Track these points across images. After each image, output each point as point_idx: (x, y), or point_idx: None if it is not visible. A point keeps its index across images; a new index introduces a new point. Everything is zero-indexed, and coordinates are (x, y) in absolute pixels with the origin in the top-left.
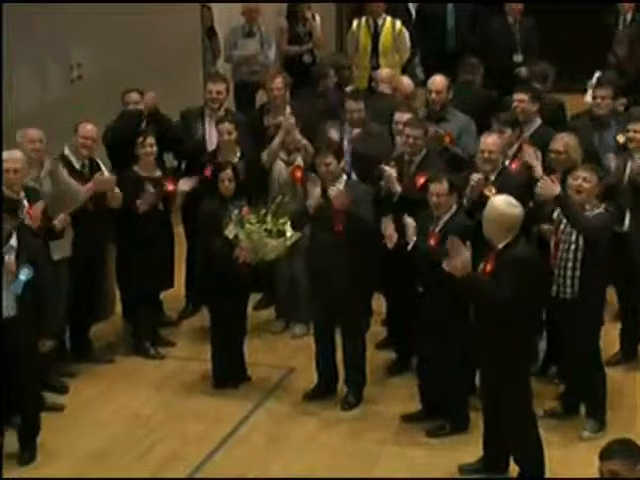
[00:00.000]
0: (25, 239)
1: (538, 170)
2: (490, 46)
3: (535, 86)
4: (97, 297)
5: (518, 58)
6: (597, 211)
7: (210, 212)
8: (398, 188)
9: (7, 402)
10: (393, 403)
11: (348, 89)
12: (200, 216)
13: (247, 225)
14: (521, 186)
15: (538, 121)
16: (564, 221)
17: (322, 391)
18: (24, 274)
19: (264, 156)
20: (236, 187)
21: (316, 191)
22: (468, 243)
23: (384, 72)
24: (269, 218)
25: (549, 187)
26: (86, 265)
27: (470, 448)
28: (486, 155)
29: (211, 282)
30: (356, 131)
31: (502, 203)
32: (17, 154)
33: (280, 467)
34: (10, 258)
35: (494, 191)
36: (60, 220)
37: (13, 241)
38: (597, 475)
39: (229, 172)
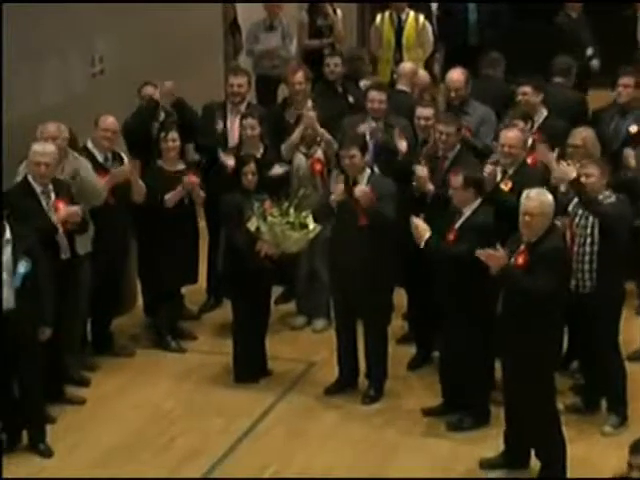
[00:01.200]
0: (19, 231)
1: (553, 166)
2: (558, 42)
3: (557, 80)
4: (119, 291)
5: (590, 51)
6: (609, 201)
7: (233, 205)
8: (431, 187)
9: (11, 397)
10: (414, 397)
11: (362, 83)
12: (222, 209)
13: (269, 218)
14: (539, 182)
15: (544, 112)
16: (579, 213)
17: (343, 385)
18: (22, 267)
19: (283, 149)
20: (258, 181)
21: (339, 187)
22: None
23: (406, 66)
24: (291, 211)
25: (564, 170)
26: (108, 259)
27: (491, 442)
28: (506, 149)
29: (234, 276)
30: (378, 122)
31: (546, 195)
32: (50, 148)
33: (301, 461)
34: (7, 251)
35: (510, 185)
36: (71, 215)
37: (7, 234)
38: (624, 469)
39: (252, 166)
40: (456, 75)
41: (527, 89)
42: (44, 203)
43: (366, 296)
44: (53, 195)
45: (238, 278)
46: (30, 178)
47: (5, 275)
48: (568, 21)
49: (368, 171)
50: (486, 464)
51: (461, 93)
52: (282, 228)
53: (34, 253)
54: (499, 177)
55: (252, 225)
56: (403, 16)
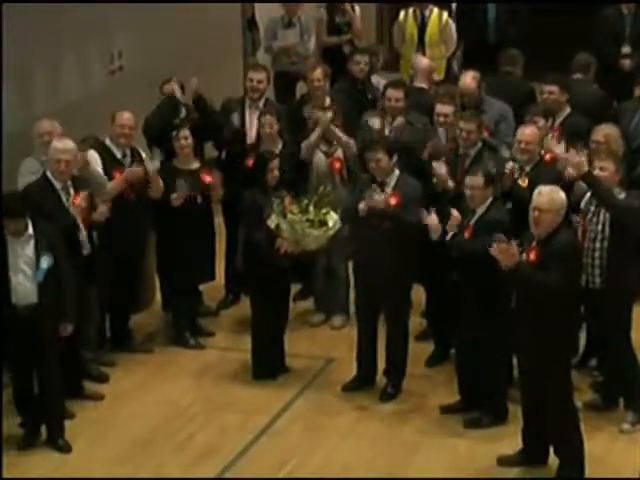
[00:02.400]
0: (42, 227)
1: (561, 157)
2: (599, 35)
3: (577, 77)
4: (137, 287)
5: (626, 50)
6: (622, 196)
7: (253, 202)
8: (451, 184)
9: (30, 392)
10: (432, 394)
11: (373, 78)
12: (243, 206)
13: (289, 215)
14: (556, 178)
15: (567, 109)
16: (591, 210)
17: (361, 383)
18: (45, 261)
19: (303, 150)
20: (279, 178)
21: (377, 199)
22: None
23: (423, 62)
24: (311, 208)
25: (578, 164)
26: (127, 255)
27: (508, 440)
28: (523, 146)
29: (253, 273)
30: (398, 120)
31: (557, 192)
32: (70, 144)
33: (319, 458)
34: (30, 247)
35: (527, 182)
36: (99, 213)
37: (30, 230)
38: None
39: (277, 162)
40: (467, 81)
41: (554, 88)
42: (64, 199)
43: (389, 293)
44: (72, 191)
45: (257, 276)
46: (49, 175)
47: (28, 270)
48: (616, 15)
49: (397, 173)
50: (504, 461)
51: (474, 97)
52: (302, 225)
53: (56, 249)
54: (517, 174)
55: (272, 222)
56: (427, 13)
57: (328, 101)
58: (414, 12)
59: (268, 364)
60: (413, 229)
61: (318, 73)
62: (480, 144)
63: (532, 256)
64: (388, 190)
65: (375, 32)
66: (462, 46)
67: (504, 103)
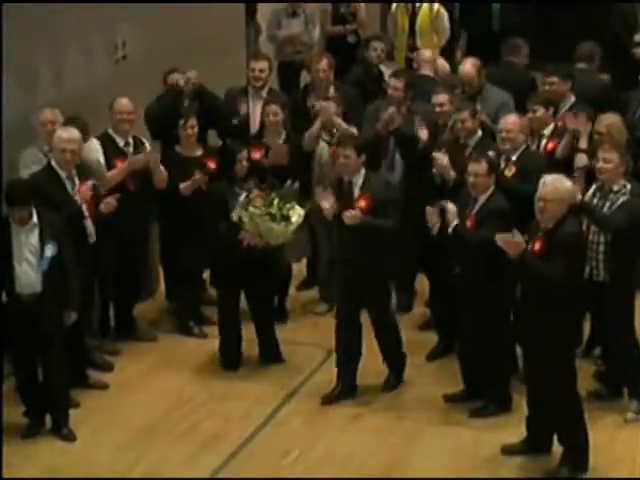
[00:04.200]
0: (46, 216)
1: (583, 140)
2: (615, 21)
3: (581, 66)
4: (141, 276)
5: (639, 38)
6: (622, 199)
7: (218, 194)
8: (452, 174)
9: (35, 381)
10: (435, 383)
11: (382, 67)
12: (208, 199)
13: (251, 208)
14: (542, 166)
15: (572, 99)
16: (595, 202)
17: (343, 394)
18: (49, 250)
19: (305, 139)
20: (286, 166)
21: (328, 205)
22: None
23: (426, 53)
24: (275, 202)
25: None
26: (130, 244)
27: (513, 428)
28: (504, 134)
29: (217, 263)
30: (391, 109)
31: (562, 181)
32: (75, 134)
33: (323, 447)
34: (34, 235)
35: (513, 170)
36: (106, 205)
37: (34, 218)
38: None
39: (245, 153)
40: (467, 68)
41: (554, 79)
42: (69, 188)
43: (368, 293)
44: (77, 180)
45: (221, 267)
46: (54, 164)
47: (32, 259)
48: (631, 4)
49: (363, 172)
50: (508, 450)
51: (474, 84)
52: (262, 219)
53: (61, 237)
54: (503, 164)
55: (235, 215)
56: (417, 3)
57: (332, 91)
58: (405, 3)
59: (233, 355)
60: (390, 231)
61: (323, 64)
62: (480, 133)
63: (537, 246)
64: (355, 190)
65: (379, 22)
66: (466, 35)
67: (505, 92)
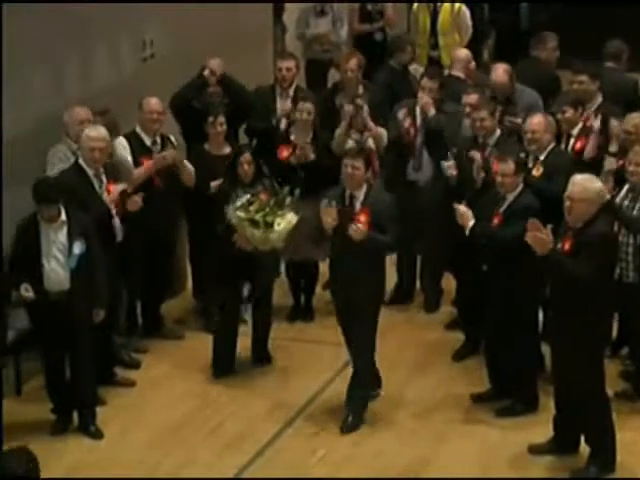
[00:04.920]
0: (74, 214)
1: (614, 144)
2: None
3: (608, 65)
4: (168, 274)
5: None
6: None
7: (220, 194)
8: (482, 174)
9: (62, 378)
10: (461, 383)
11: (412, 67)
12: (214, 199)
13: (238, 212)
14: (570, 165)
15: (599, 98)
16: (625, 204)
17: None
18: (77, 248)
19: (334, 142)
20: (255, 172)
21: (330, 219)
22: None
23: (462, 52)
24: (267, 209)
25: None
26: (158, 242)
27: (540, 428)
28: (529, 135)
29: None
30: (431, 110)
31: (591, 182)
32: (103, 132)
33: (348, 446)
34: (62, 233)
35: (541, 170)
36: (132, 203)
37: (63, 216)
38: None
39: (247, 155)
40: (500, 74)
41: (583, 78)
42: (97, 186)
43: (358, 309)
44: (104, 178)
45: (218, 268)
46: (82, 162)
47: (60, 257)
48: None
49: (365, 187)
50: (535, 450)
51: (505, 90)
52: (242, 225)
53: (89, 235)
54: (531, 163)
55: (227, 216)
56: (439, 2)
57: (361, 90)
58: (427, 2)
59: (229, 362)
60: (390, 248)
61: (353, 63)
62: (498, 132)
63: (567, 246)
64: (357, 204)
65: (407, 20)
66: (494, 34)
67: (533, 92)
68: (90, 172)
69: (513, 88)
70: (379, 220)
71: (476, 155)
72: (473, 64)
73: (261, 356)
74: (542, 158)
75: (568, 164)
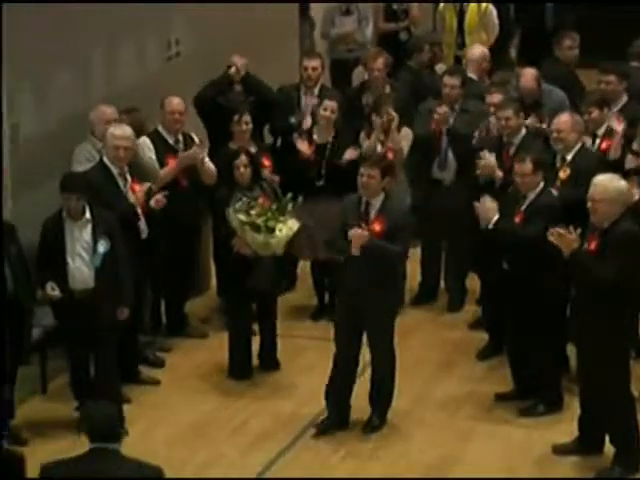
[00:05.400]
0: (99, 212)
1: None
2: None
3: (634, 64)
4: (192, 273)
5: None
6: None
7: (220, 198)
8: (499, 174)
9: (87, 377)
10: (485, 382)
11: (438, 67)
12: (211, 202)
13: (239, 215)
14: (598, 166)
15: (624, 98)
16: None
17: (334, 424)
18: (102, 246)
19: (364, 151)
20: (253, 175)
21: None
22: (571, 228)
23: (476, 51)
24: (269, 213)
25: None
26: (182, 241)
27: (564, 427)
28: (555, 134)
29: (222, 267)
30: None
31: (612, 182)
32: (128, 131)
33: (372, 445)
34: (87, 231)
35: (568, 172)
36: (156, 201)
37: (87, 214)
38: None
39: (244, 158)
40: (528, 79)
41: (611, 78)
42: (121, 185)
43: (372, 318)
44: (129, 177)
45: (225, 270)
46: (107, 161)
47: (85, 255)
48: None
49: (382, 195)
50: (560, 450)
51: (533, 95)
52: (243, 229)
53: (113, 233)
54: (558, 164)
55: (228, 220)
56: (465, 1)
57: (388, 90)
58: (454, 2)
59: (246, 364)
60: (397, 257)
61: (379, 62)
62: (524, 131)
63: (592, 246)
64: (372, 213)
65: (432, 19)
66: (519, 33)
67: (559, 92)
68: (115, 171)
69: (540, 92)
70: (393, 230)
71: (484, 155)
72: (486, 64)
73: (269, 365)
74: (569, 158)
75: (595, 165)
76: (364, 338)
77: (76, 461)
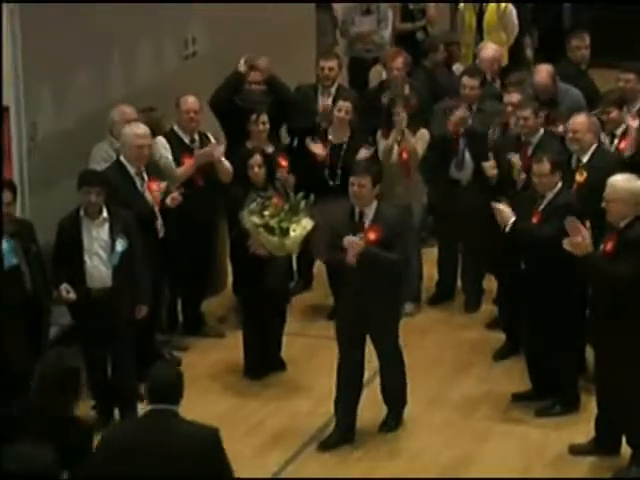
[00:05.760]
0: (116, 211)
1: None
2: None
3: None
4: (209, 272)
5: None
6: None
7: (234, 198)
8: (522, 175)
9: (104, 375)
10: (502, 383)
11: (455, 66)
12: (225, 202)
13: (253, 217)
14: (616, 166)
15: None
16: None
17: (342, 437)
18: (120, 245)
19: (380, 152)
20: (267, 175)
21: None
22: (588, 224)
23: (488, 51)
24: (282, 214)
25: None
26: (199, 240)
27: (581, 427)
28: (570, 135)
29: (238, 268)
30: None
31: (625, 182)
32: (147, 130)
33: (389, 444)
34: (104, 230)
35: (584, 176)
36: (172, 199)
37: (105, 213)
38: None
39: (258, 158)
40: (543, 76)
41: (630, 76)
42: (138, 185)
43: (375, 324)
44: (145, 176)
45: (240, 272)
46: (124, 160)
47: (103, 254)
48: None
49: (375, 203)
50: (576, 450)
51: (548, 92)
52: (257, 230)
53: (131, 232)
54: (574, 164)
55: (241, 221)
56: (484, 1)
57: (407, 90)
58: (473, 2)
59: (261, 361)
60: (395, 265)
61: (398, 62)
62: (542, 131)
63: (609, 246)
64: (366, 221)
65: (449, 19)
66: (536, 32)
67: (576, 91)
68: (132, 170)
69: (556, 89)
70: (389, 238)
71: (515, 158)
72: (497, 66)
73: (274, 365)
74: (585, 160)
75: (612, 166)
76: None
77: (137, 422)
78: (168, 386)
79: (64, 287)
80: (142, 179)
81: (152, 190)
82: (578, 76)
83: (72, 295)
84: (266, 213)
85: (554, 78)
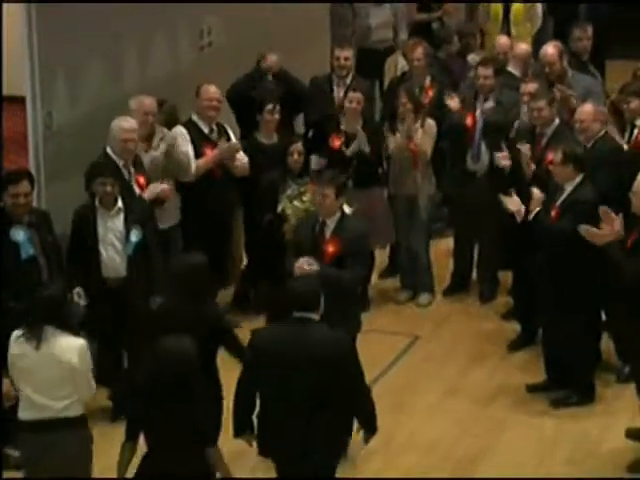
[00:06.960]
0: (132, 201)
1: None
2: None
3: None
4: (225, 263)
5: None
6: None
7: (270, 184)
8: (533, 166)
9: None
10: (517, 373)
11: (470, 57)
12: (257, 189)
13: (295, 202)
14: (614, 156)
15: None
16: None
17: None
18: (134, 235)
19: (390, 150)
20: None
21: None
22: (620, 215)
23: (522, 48)
24: None
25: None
26: (214, 231)
27: (597, 418)
28: (578, 125)
29: (258, 255)
30: (489, 102)
31: None
32: (134, 123)
33: (405, 435)
34: (119, 220)
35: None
36: (163, 190)
37: (119, 203)
38: None
39: (299, 145)
40: (549, 51)
41: None
42: (126, 177)
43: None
44: (132, 169)
45: (261, 258)
46: (110, 152)
47: (117, 244)
48: None
49: (338, 215)
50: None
51: (555, 68)
52: (303, 215)
53: (146, 222)
54: None
55: (280, 206)
56: None
57: (428, 81)
58: None
59: None
60: (348, 283)
61: (418, 52)
62: (557, 122)
63: (630, 240)
64: (327, 233)
65: (465, 10)
66: (552, 23)
67: (591, 77)
68: (119, 162)
69: (564, 68)
70: (348, 251)
71: (524, 148)
72: (529, 62)
73: None
74: (589, 146)
75: (610, 154)
76: None
77: (283, 326)
78: (308, 295)
79: (77, 291)
80: (129, 172)
81: (139, 183)
82: (580, 67)
83: (83, 301)
84: (305, 198)
85: (562, 55)
